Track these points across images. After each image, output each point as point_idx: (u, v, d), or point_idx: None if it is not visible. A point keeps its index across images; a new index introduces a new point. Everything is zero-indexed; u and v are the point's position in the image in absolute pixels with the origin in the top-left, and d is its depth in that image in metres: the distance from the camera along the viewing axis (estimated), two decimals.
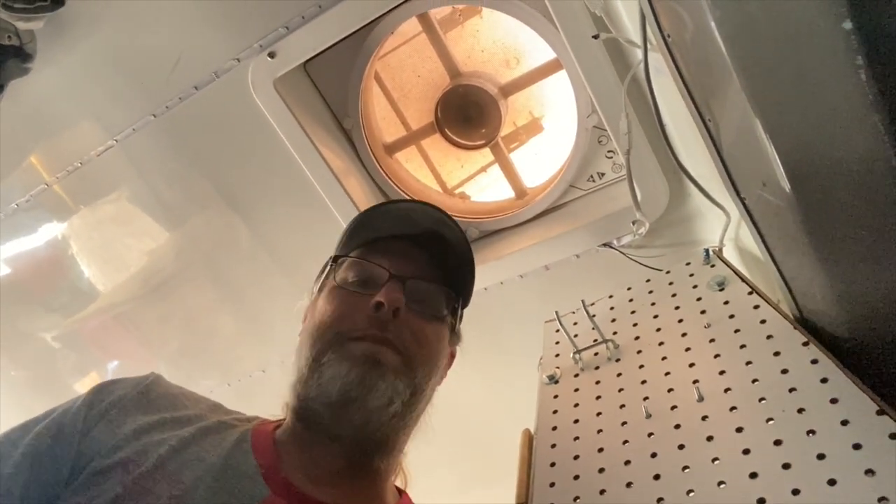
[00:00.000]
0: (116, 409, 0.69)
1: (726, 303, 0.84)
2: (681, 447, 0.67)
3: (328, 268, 0.82)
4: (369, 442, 0.71)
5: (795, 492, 0.55)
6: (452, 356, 0.86)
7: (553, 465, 0.76)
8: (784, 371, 0.68)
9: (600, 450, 0.74)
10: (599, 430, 0.77)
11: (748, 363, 0.72)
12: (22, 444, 0.64)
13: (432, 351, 0.76)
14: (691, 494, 0.61)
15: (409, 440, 0.78)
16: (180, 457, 0.65)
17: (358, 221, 0.84)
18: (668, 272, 0.99)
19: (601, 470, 0.71)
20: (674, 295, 0.93)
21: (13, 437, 0.65)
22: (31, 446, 0.64)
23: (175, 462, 0.64)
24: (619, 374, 0.84)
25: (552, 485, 0.73)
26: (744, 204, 0.75)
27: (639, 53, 0.87)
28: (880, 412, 0.57)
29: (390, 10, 1.26)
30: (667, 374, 0.79)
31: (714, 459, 0.63)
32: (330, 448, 0.70)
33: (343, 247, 0.84)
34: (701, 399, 0.71)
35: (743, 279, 0.87)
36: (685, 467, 0.64)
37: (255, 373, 1.79)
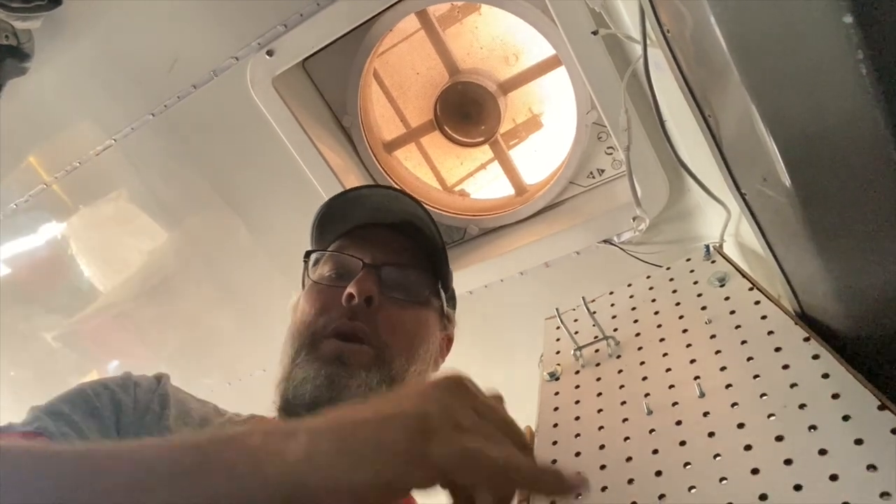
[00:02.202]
0: (149, 413, 0.69)
1: (727, 299, 0.84)
2: (682, 443, 0.67)
3: (304, 264, 0.82)
4: None
5: (797, 487, 0.54)
6: (449, 340, 0.85)
7: (554, 462, 0.76)
8: (785, 367, 0.67)
9: (601, 446, 0.73)
10: (601, 427, 0.76)
11: (749, 359, 0.72)
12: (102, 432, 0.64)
13: (411, 338, 0.76)
14: (693, 490, 0.61)
15: None
16: None
17: (325, 212, 0.83)
18: (668, 268, 0.99)
19: (602, 466, 0.70)
20: (674, 291, 0.93)
21: (87, 423, 0.64)
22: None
23: None
24: (619, 371, 0.84)
25: None
26: (744, 199, 0.75)
27: (638, 49, 0.87)
28: (882, 407, 0.57)
29: (388, 8, 1.26)
30: (668, 370, 0.78)
31: (715, 455, 0.63)
32: None
33: (316, 240, 0.84)
34: (702, 395, 0.71)
35: (744, 275, 0.86)
36: (686, 463, 0.64)
37: (255, 371, 1.79)
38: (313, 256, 0.81)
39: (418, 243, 0.82)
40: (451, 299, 0.85)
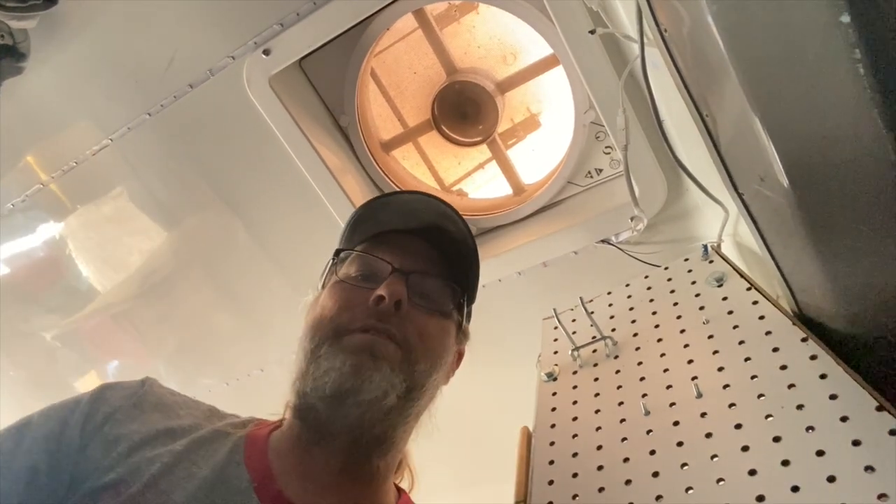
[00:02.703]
0: (111, 422, 0.68)
1: (725, 299, 0.84)
2: (679, 444, 0.66)
3: (331, 262, 0.81)
4: (366, 439, 0.70)
5: (795, 489, 0.54)
6: (460, 355, 0.85)
7: (552, 462, 0.76)
8: (783, 367, 0.67)
9: (599, 447, 0.73)
10: (598, 428, 0.76)
11: (747, 359, 0.72)
12: (20, 456, 0.63)
13: (435, 347, 0.75)
14: (690, 492, 0.61)
15: (409, 439, 0.77)
16: (172, 474, 0.64)
17: (360, 214, 0.83)
18: (666, 268, 0.99)
19: (600, 467, 0.70)
20: (672, 291, 0.93)
21: (9, 448, 0.64)
22: (28, 460, 0.63)
23: (166, 480, 0.63)
24: (617, 371, 0.84)
25: (551, 482, 0.73)
26: (742, 199, 0.75)
27: (636, 48, 0.87)
28: (880, 408, 0.57)
29: (386, 6, 1.25)
30: (665, 370, 0.78)
31: (713, 456, 0.63)
32: (327, 448, 0.70)
33: (346, 240, 0.83)
34: (700, 396, 0.71)
35: (741, 275, 0.86)
36: (684, 464, 0.64)
37: (253, 371, 1.79)
38: (342, 255, 0.81)
39: (446, 252, 0.81)
40: (469, 315, 0.85)
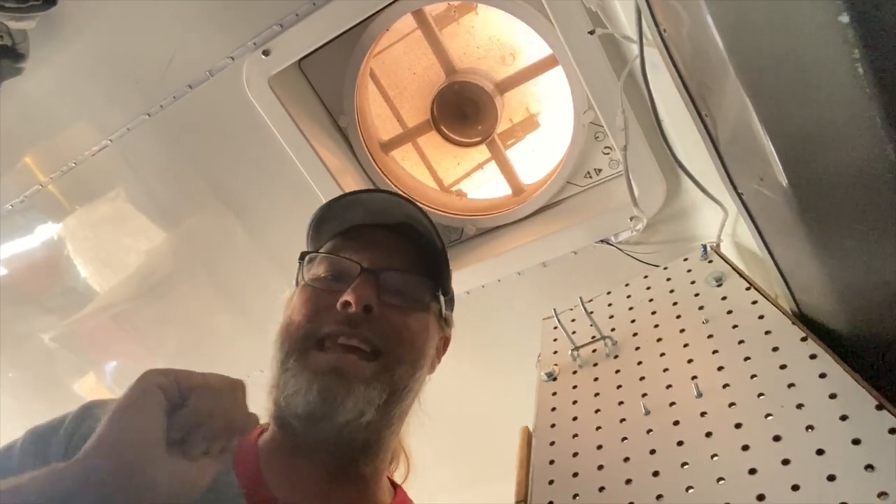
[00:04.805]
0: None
1: (724, 298, 0.84)
2: (679, 443, 0.66)
3: (299, 265, 0.79)
4: (348, 449, 0.70)
5: (795, 487, 0.54)
6: (446, 341, 0.84)
7: (552, 462, 0.76)
8: (783, 366, 0.67)
9: (599, 447, 0.73)
10: (598, 428, 0.76)
11: (746, 359, 0.72)
12: (7, 473, 0.63)
13: (414, 344, 0.73)
14: (690, 491, 0.61)
15: (395, 435, 0.76)
16: None
17: (323, 213, 0.80)
18: (665, 268, 0.99)
19: (600, 467, 0.70)
20: (671, 291, 0.93)
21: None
22: (14, 473, 0.63)
23: None
24: (617, 371, 0.84)
25: (551, 482, 0.73)
26: (741, 199, 0.75)
27: (635, 49, 0.87)
28: (879, 407, 0.57)
29: (385, 7, 1.25)
30: (665, 370, 0.78)
31: (713, 456, 0.63)
32: (311, 457, 0.69)
33: (312, 240, 0.81)
34: (699, 395, 0.71)
35: (741, 274, 0.86)
36: (684, 464, 0.64)
37: (252, 372, 1.78)
38: (308, 257, 0.80)
39: (417, 246, 0.79)
40: (450, 301, 0.84)
